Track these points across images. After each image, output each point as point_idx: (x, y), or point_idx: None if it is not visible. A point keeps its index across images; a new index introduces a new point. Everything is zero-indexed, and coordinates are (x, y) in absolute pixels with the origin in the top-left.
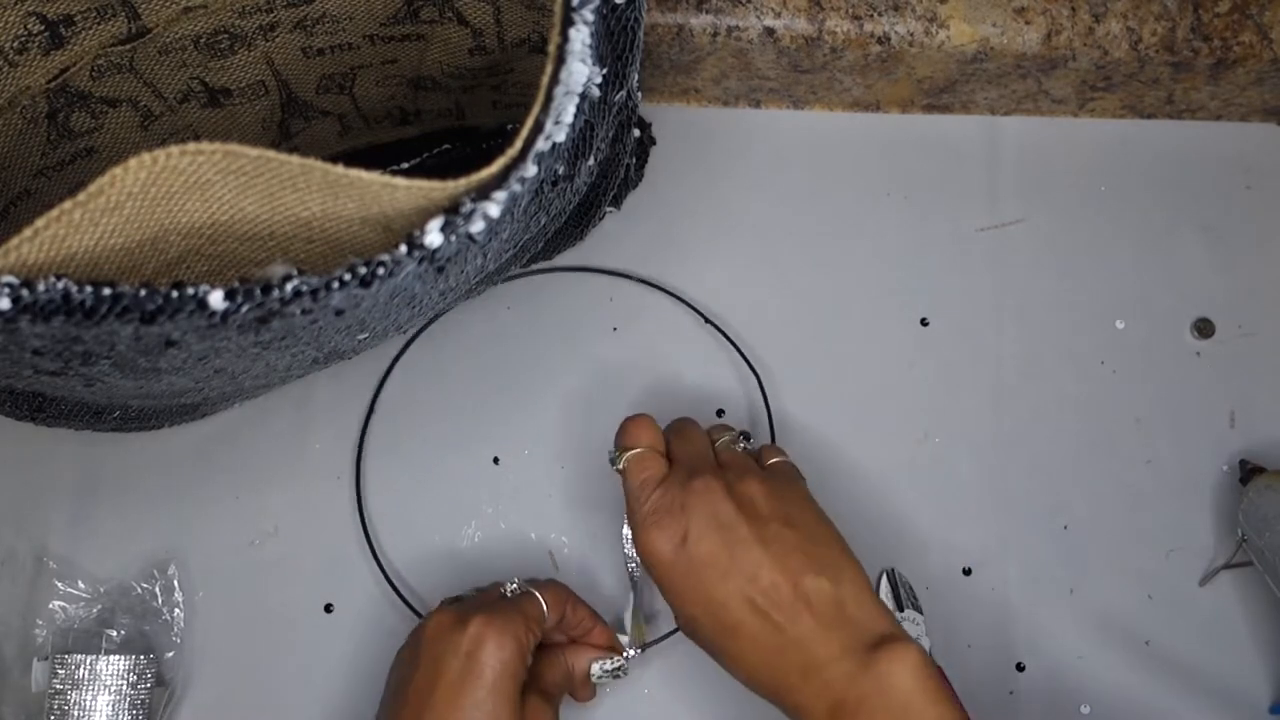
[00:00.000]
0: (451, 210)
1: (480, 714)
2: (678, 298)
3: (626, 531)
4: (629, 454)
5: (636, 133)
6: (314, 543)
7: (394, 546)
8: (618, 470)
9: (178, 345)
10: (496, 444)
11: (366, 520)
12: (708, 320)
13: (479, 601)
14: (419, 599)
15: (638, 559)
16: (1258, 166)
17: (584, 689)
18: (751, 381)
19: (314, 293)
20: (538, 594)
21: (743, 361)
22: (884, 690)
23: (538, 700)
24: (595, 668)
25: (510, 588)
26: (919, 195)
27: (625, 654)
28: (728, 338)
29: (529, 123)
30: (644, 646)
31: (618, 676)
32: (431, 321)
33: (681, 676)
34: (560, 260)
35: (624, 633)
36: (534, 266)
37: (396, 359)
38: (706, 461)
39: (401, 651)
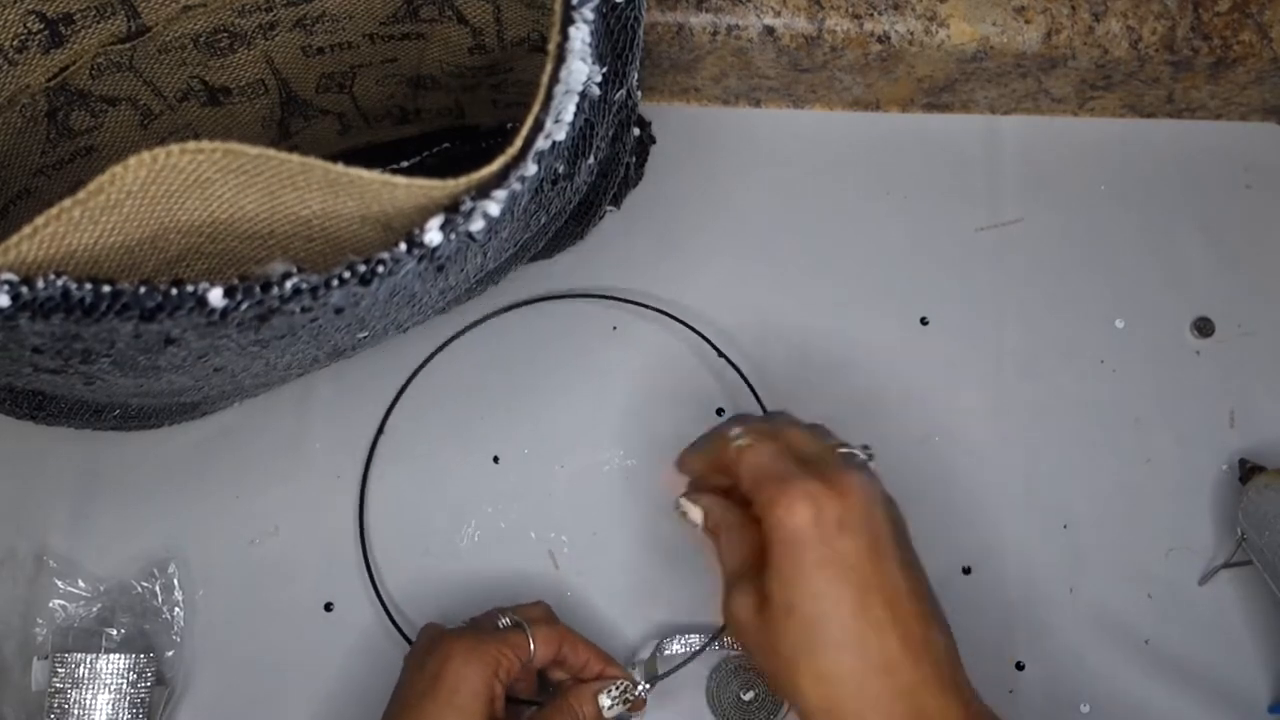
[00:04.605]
0: (451, 209)
1: None
2: (670, 315)
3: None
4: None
5: (636, 131)
6: (314, 542)
7: (394, 546)
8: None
9: (177, 343)
10: (496, 444)
11: (365, 529)
12: (699, 333)
13: (465, 627)
14: (419, 600)
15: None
16: (1258, 166)
17: None
18: (754, 378)
19: (313, 290)
20: (527, 627)
21: (742, 361)
22: None
23: None
24: (603, 699)
25: (503, 621)
26: (919, 195)
27: (638, 684)
28: (713, 346)
29: (529, 121)
30: (655, 679)
31: (628, 701)
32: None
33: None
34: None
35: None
36: (531, 297)
37: (420, 369)
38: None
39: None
